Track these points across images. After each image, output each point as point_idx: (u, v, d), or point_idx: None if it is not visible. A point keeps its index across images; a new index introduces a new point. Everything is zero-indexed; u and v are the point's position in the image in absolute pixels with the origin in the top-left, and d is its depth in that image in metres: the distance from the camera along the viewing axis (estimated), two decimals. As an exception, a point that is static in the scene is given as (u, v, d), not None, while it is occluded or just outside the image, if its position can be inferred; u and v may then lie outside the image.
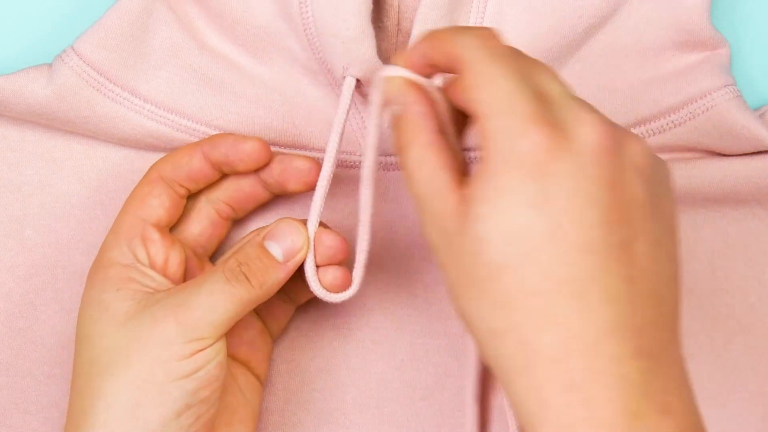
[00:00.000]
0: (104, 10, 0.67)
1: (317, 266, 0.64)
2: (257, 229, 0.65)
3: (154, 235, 0.64)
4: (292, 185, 0.65)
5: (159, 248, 0.64)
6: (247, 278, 0.61)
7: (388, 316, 0.69)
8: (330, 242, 0.64)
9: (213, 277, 0.61)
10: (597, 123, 0.54)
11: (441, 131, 0.58)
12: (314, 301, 0.69)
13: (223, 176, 0.66)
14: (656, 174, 0.56)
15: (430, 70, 0.59)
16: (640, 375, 0.52)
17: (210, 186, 0.66)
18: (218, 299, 0.60)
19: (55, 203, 0.69)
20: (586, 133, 0.53)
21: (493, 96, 0.53)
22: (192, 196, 0.66)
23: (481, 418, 0.64)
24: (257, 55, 0.67)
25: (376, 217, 0.66)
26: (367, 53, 0.64)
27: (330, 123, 0.68)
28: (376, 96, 0.60)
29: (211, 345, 0.60)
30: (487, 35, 0.56)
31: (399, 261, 0.69)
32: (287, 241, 0.63)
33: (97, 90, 0.67)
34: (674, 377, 0.53)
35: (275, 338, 0.68)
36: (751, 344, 0.69)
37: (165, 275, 0.64)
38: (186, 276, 0.65)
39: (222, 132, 0.67)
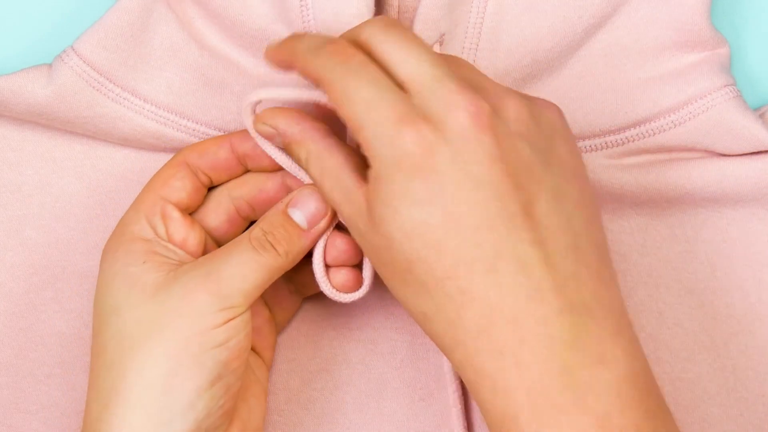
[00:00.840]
0: (104, 10, 0.67)
1: (328, 267, 0.64)
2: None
3: (175, 214, 0.64)
4: None
5: (178, 226, 0.64)
6: (273, 246, 0.62)
7: (389, 316, 0.69)
8: (343, 246, 0.64)
9: (240, 246, 0.61)
10: (465, 103, 0.56)
11: (331, 133, 0.61)
12: (315, 301, 0.69)
13: (246, 172, 0.66)
14: (540, 126, 0.58)
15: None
16: (569, 330, 0.55)
17: (235, 183, 0.66)
18: (247, 268, 0.61)
19: (55, 203, 0.69)
20: (456, 118, 0.56)
21: (356, 109, 0.57)
22: (214, 190, 0.66)
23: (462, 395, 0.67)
24: (257, 55, 0.67)
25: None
26: None
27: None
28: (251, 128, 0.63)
29: (241, 314, 0.60)
30: (339, 50, 0.58)
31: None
32: (310, 207, 0.63)
33: (97, 90, 0.67)
34: (609, 326, 0.56)
35: (280, 329, 0.68)
36: (751, 344, 0.69)
37: (185, 251, 0.64)
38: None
39: (223, 132, 0.67)
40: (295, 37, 0.61)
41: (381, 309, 0.69)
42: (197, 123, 0.68)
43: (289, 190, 0.65)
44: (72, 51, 0.66)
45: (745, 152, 0.68)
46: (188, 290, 0.60)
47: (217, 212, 0.66)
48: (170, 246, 0.63)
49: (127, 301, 0.60)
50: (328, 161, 0.60)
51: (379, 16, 0.60)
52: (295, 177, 0.64)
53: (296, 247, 0.63)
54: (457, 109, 0.56)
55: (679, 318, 0.69)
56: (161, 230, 0.63)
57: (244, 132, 0.65)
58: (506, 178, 0.56)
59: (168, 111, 0.67)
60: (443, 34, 0.66)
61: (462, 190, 0.55)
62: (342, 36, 0.60)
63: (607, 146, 0.69)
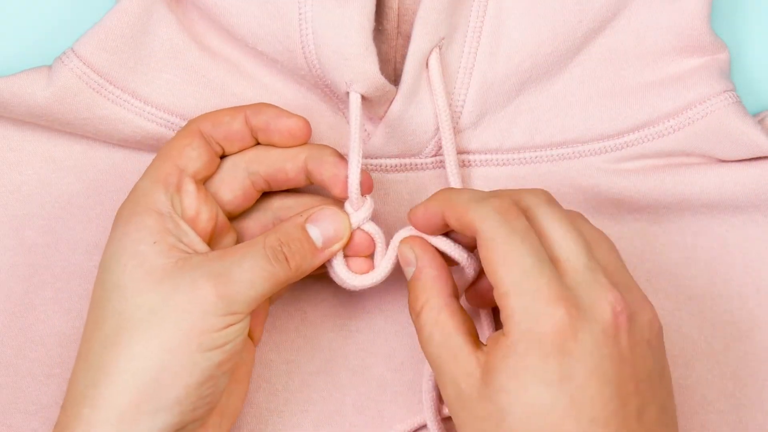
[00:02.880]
0: (104, 12, 0.66)
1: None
2: (300, 212, 0.65)
3: (190, 186, 0.63)
4: (336, 191, 0.65)
5: (192, 200, 0.63)
6: (286, 259, 0.62)
7: (388, 319, 0.69)
8: (359, 239, 0.65)
9: (253, 252, 0.61)
10: (612, 301, 0.58)
11: (454, 294, 0.62)
12: (314, 303, 0.69)
13: (257, 144, 0.66)
14: (661, 341, 0.60)
15: (443, 228, 0.62)
16: None
17: (252, 157, 0.65)
18: (258, 276, 0.61)
19: (55, 203, 0.69)
20: (602, 312, 0.58)
21: (512, 275, 0.58)
22: (229, 162, 0.66)
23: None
24: (257, 56, 0.67)
25: (377, 220, 0.66)
26: (371, 69, 0.64)
27: (329, 126, 0.69)
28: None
29: (242, 320, 0.60)
30: (504, 208, 0.59)
31: (399, 263, 0.69)
32: (330, 229, 0.64)
33: (97, 92, 0.66)
34: None
35: (272, 304, 0.68)
36: (750, 350, 0.69)
37: (194, 229, 0.63)
38: (213, 233, 0.65)
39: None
40: (450, 189, 0.63)
41: (380, 312, 0.69)
42: (197, 124, 0.68)
43: (307, 174, 0.65)
44: (72, 53, 0.66)
45: (744, 158, 0.68)
46: (197, 287, 0.60)
47: (233, 185, 0.65)
48: (182, 224, 0.62)
49: (131, 282, 0.60)
50: (444, 317, 0.61)
51: (541, 189, 0.62)
52: (317, 164, 0.64)
53: (308, 263, 0.63)
54: (604, 303, 0.58)
55: (678, 324, 0.69)
56: (177, 204, 0.63)
57: (259, 105, 0.65)
58: (630, 382, 0.58)
59: (168, 113, 0.67)
60: (443, 38, 0.66)
61: (591, 381, 0.57)
62: (504, 194, 0.61)
63: (606, 151, 0.69)
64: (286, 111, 0.65)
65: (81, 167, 0.69)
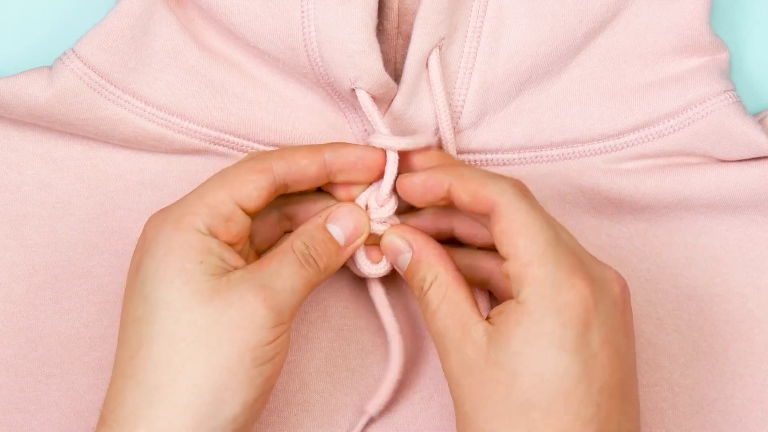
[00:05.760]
0: (105, 13, 0.67)
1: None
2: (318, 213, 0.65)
3: (240, 218, 0.62)
4: (363, 175, 0.66)
5: (238, 229, 0.62)
6: (315, 261, 0.62)
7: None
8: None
9: (288, 259, 0.62)
10: (617, 276, 0.61)
11: (457, 268, 0.63)
12: (314, 303, 0.69)
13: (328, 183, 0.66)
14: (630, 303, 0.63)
15: (438, 201, 0.63)
16: None
17: (276, 157, 0.64)
18: (297, 282, 0.61)
19: (55, 203, 0.69)
20: (612, 286, 0.61)
21: (535, 244, 0.59)
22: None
23: None
24: (258, 55, 0.67)
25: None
26: (375, 66, 0.64)
27: (329, 125, 0.68)
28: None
29: (286, 330, 0.61)
30: (520, 186, 0.61)
31: None
32: (350, 226, 0.64)
33: (98, 92, 0.66)
34: None
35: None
36: (750, 350, 0.69)
37: (232, 246, 0.63)
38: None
39: (224, 132, 0.68)
40: (454, 165, 0.64)
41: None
42: (199, 125, 0.68)
43: (327, 169, 0.65)
44: (72, 53, 0.66)
45: (744, 157, 0.68)
46: (246, 302, 0.59)
47: (259, 192, 0.64)
48: (223, 245, 0.62)
49: (180, 299, 0.59)
50: (452, 290, 0.62)
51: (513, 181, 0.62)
52: (339, 153, 0.65)
53: (334, 263, 0.63)
54: (612, 279, 0.61)
55: (678, 324, 0.69)
56: (219, 228, 0.62)
57: (335, 145, 0.65)
58: (631, 353, 0.60)
59: (169, 113, 0.67)
60: (443, 38, 0.66)
61: (603, 351, 0.59)
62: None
63: (606, 151, 0.69)
64: (360, 144, 0.65)
65: (81, 167, 0.69)
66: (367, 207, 0.66)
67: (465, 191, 0.61)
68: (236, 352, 0.59)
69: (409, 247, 0.64)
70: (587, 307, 0.58)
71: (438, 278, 0.62)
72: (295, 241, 0.62)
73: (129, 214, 0.69)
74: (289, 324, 0.61)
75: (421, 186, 0.63)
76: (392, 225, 0.65)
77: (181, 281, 0.60)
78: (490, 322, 0.60)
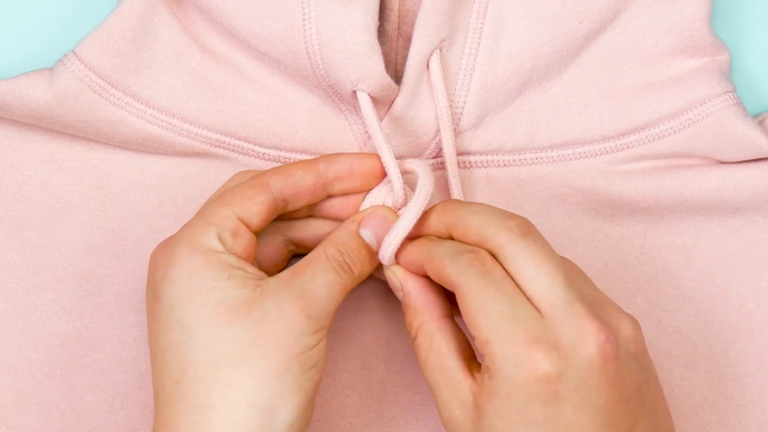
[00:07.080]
0: (106, 15, 0.67)
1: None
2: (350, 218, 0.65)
3: (246, 233, 0.63)
4: (357, 183, 0.65)
5: (247, 245, 0.63)
6: (350, 268, 0.62)
7: (389, 319, 0.69)
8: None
9: (322, 267, 0.62)
10: (595, 331, 0.58)
11: (447, 314, 0.62)
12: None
13: (328, 197, 0.66)
14: (645, 348, 0.61)
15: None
16: None
17: (274, 174, 0.65)
18: (333, 289, 0.61)
19: (56, 204, 0.69)
20: (586, 347, 0.58)
21: (489, 323, 0.58)
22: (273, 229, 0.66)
23: None
24: (259, 58, 0.67)
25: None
26: (376, 68, 0.64)
27: (330, 128, 0.68)
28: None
29: (326, 335, 0.61)
30: (479, 260, 0.60)
31: None
32: (381, 230, 0.64)
33: (99, 94, 0.66)
34: None
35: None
36: (750, 352, 0.69)
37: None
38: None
39: (225, 135, 0.68)
40: (430, 240, 0.63)
41: (381, 313, 0.69)
42: (200, 127, 0.68)
43: (324, 179, 0.64)
44: (73, 55, 0.66)
45: (745, 159, 0.68)
46: (284, 311, 0.60)
47: (274, 246, 0.66)
48: (240, 259, 0.62)
49: (218, 317, 0.59)
50: (437, 341, 0.62)
51: (518, 220, 0.61)
52: (333, 162, 0.64)
53: (368, 268, 0.64)
54: (587, 337, 0.58)
55: (677, 325, 0.70)
56: (229, 245, 0.62)
57: (329, 156, 0.65)
58: (619, 404, 0.58)
59: (170, 115, 0.67)
60: (443, 40, 0.66)
61: (579, 416, 0.58)
62: (475, 232, 0.61)
63: (606, 152, 0.69)
64: (357, 152, 0.66)
65: (82, 168, 0.69)
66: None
67: (431, 271, 0.62)
68: (282, 361, 0.59)
69: (401, 287, 0.64)
70: (549, 379, 0.57)
71: (422, 326, 0.62)
72: (329, 249, 0.63)
73: (130, 216, 0.69)
74: (329, 327, 0.61)
75: (407, 263, 0.64)
76: (392, 265, 0.65)
77: (215, 299, 0.60)
78: (474, 380, 0.60)
